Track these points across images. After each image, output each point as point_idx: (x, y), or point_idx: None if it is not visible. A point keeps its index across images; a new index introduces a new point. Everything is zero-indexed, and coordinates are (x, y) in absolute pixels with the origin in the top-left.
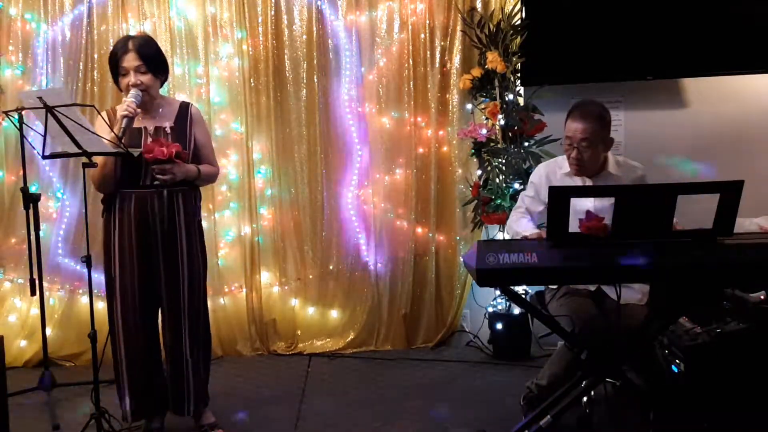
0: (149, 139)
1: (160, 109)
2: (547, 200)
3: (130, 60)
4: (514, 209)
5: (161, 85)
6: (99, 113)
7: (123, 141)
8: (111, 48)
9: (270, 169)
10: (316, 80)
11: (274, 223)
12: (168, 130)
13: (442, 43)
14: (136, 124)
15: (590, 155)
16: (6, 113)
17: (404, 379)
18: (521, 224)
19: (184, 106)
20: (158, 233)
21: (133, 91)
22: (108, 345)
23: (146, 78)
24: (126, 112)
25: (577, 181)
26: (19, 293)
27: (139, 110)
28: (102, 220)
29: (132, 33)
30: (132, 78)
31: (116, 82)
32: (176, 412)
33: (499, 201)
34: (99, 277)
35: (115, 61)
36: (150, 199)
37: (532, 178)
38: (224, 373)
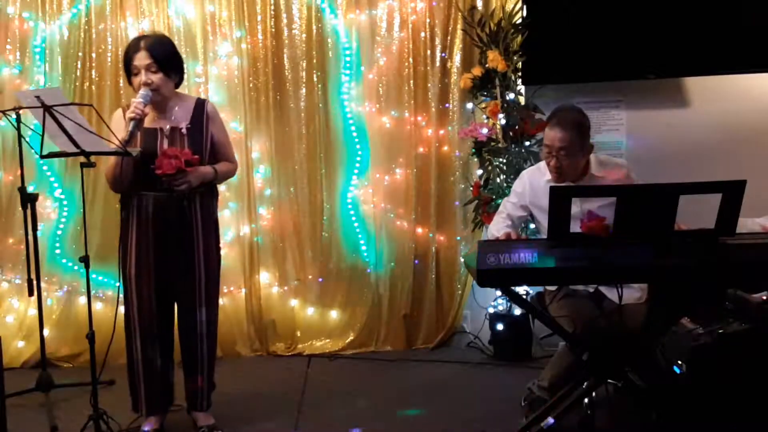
0: (165, 140)
1: (176, 109)
2: (530, 207)
3: (141, 59)
4: (496, 214)
5: (177, 86)
6: (97, 112)
7: (138, 142)
8: (111, 47)
9: (269, 169)
10: (315, 79)
11: (274, 223)
12: (184, 130)
13: (443, 42)
14: (152, 125)
15: (569, 163)
16: (3, 112)
17: (404, 380)
18: (497, 227)
19: (200, 104)
20: (175, 234)
21: (142, 91)
22: (106, 345)
23: (157, 77)
24: (133, 114)
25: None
26: (17, 293)
27: (147, 111)
28: (118, 219)
29: (131, 32)
30: (143, 77)
31: (130, 81)
32: (191, 407)
33: (500, 201)
34: (97, 278)
35: (127, 60)
36: (167, 202)
37: (515, 185)
38: (223, 374)
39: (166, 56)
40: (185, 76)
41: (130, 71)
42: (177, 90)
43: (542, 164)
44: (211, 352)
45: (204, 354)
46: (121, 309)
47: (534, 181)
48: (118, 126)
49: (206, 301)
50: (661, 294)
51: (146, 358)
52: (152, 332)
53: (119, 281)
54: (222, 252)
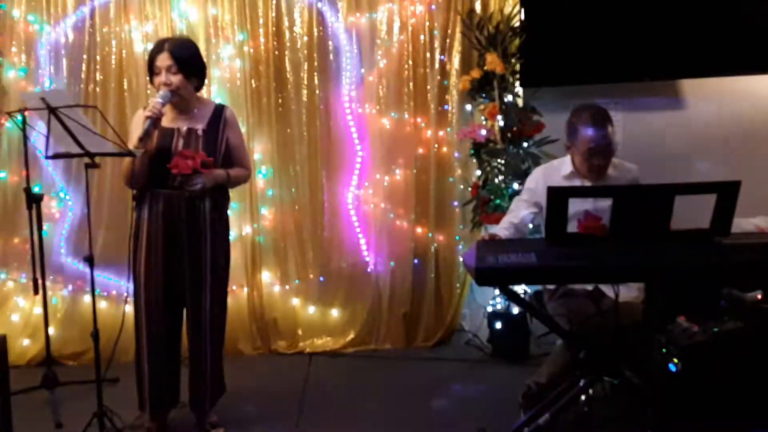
0: (181, 140)
1: (195, 111)
2: (541, 203)
3: (163, 59)
4: (507, 212)
5: (197, 89)
6: (101, 114)
7: (155, 141)
8: (115, 49)
9: (271, 170)
10: (316, 81)
11: (275, 223)
12: (200, 132)
13: (442, 45)
14: (169, 125)
15: (610, 157)
16: (9, 114)
17: (404, 378)
18: (503, 222)
19: (219, 109)
20: (184, 233)
21: (161, 92)
22: (111, 342)
23: (176, 78)
24: (150, 113)
25: (576, 184)
26: (22, 292)
27: (164, 111)
28: (132, 217)
29: (134, 35)
30: (163, 77)
31: (152, 81)
32: (193, 407)
33: (498, 201)
34: (102, 277)
35: (151, 60)
36: (177, 200)
37: (528, 182)
38: (226, 371)
39: (187, 59)
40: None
41: (152, 71)
42: (198, 94)
43: (556, 161)
44: (216, 353)
45: (208, 354)
46: (129, 307)
47: (548, 177)
48: (138, 124)
49: (212, 301)
50: (657, 293)
51: (153, 356)
52: (159, 330)
53: (129, 279)
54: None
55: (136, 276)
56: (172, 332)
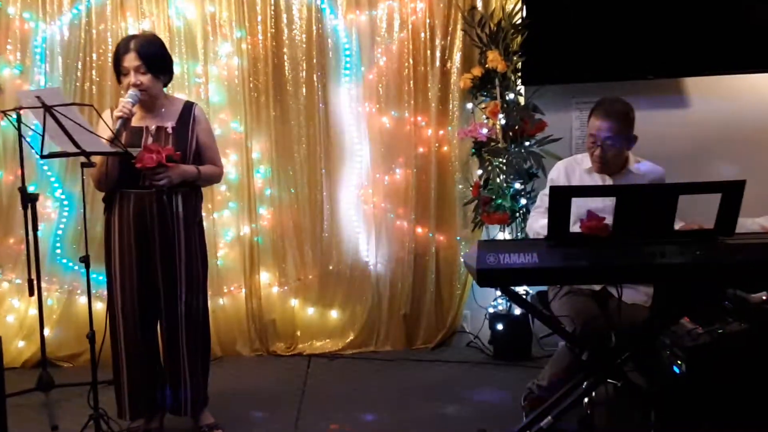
0: (150, 139)
1: (163, 109)
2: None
3: (130, 60)
4: (533, 209)
5: (165, 85)
6: (97, 113)
7: (122, 140)
8: (112, 47)
9: (269, 169)
10: (315, 79)
11: (274, 223)
12: (169, 130)
13: (443, 42)
14: (138, 123)
15: (614, 153)
16: (4, 113)
17: (404, 380)
18: (540, 222)
19: (188, 107)
20: (156, 234)
21: (130, 92)
22: (106, 344)
23: (145, 78)
24: (120, 113)
25: (597, 179)
26: (18, 294)
27: (134, 111)
28: (103, 219)
29: (132, 32)
30: (132, 78)
31: (119, 80)
32: (173, 412)
33: (499, 201)
34: (97, 278)
35: (117, 60)
36: (148, 199)
37: (551, 174)
38: (224, 373)
39: (155, 58)
40: (186, 76)
41: (119, 71)
42: (165, 92)
43: (579, 156)
44: (195, 360)
45: (185, 362)
46: None
47: (570, 170)
48: (104, 126)
49: (187, 306)
50: (664, 296)
51: (130, 359)
52: (135, 333)
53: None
54: (221, 252)
55: (111, 280)
56: (151, 338)
